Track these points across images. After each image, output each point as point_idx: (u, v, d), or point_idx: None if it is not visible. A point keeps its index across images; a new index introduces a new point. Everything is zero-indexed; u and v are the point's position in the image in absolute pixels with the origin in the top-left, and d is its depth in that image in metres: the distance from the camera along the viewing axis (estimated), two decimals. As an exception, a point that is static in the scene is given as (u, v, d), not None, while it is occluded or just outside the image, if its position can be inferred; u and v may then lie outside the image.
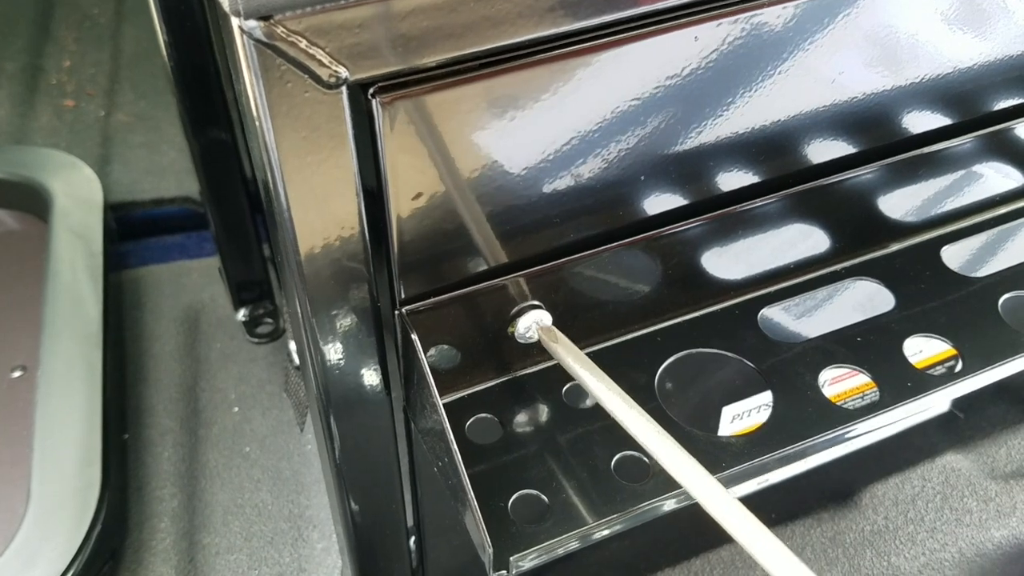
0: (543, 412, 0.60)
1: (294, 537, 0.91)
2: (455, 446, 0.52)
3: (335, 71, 0.41)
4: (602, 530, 0.55)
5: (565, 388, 0.61)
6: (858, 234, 0.70)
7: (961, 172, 0.72)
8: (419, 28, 0.42)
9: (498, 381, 0.62)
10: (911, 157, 0.68)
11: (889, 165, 0.67)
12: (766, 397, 0.62)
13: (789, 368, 0.64)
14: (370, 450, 0.62)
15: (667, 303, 0.65)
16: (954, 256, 0.72)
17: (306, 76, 0.41)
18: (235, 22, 0.38)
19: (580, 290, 0.60)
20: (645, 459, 0.58)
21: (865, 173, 0.67)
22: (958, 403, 0.91)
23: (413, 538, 0.73)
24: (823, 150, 0.63)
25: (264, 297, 1.11)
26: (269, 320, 1.11)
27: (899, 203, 0.70)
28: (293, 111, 0.42)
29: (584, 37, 0.48)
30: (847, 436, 0.60)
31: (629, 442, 0.57)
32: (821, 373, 0.63)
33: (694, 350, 0.65)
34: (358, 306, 0.52)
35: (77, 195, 1.16)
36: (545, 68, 0.48)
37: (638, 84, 0.51)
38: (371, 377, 0.57)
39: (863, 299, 0.69)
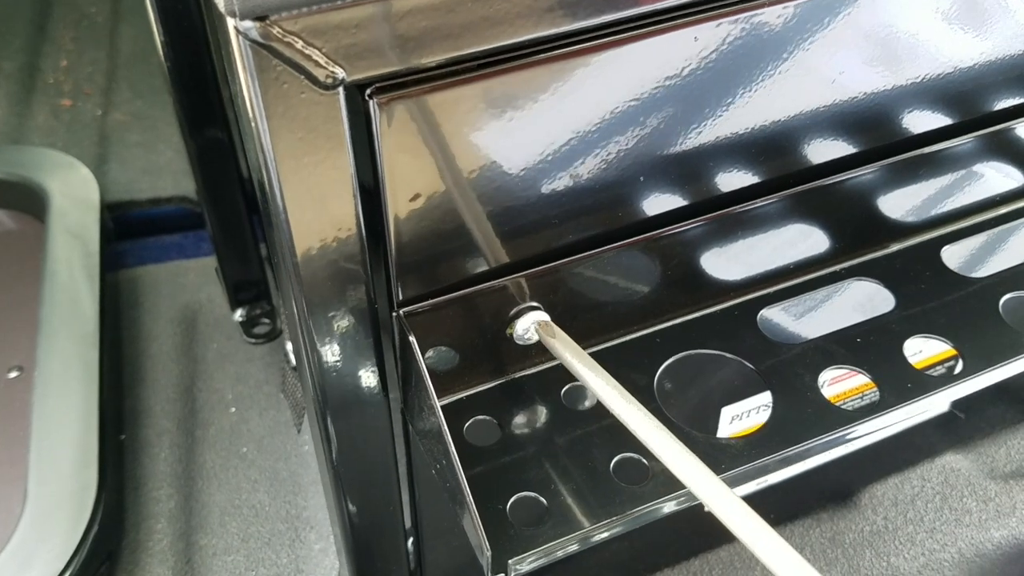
0: (542, 414, 0.60)
1: (291, 538, 0.91)
2: (453, 448, 0.52)
3: (332, 72, 0.41)
4: (601, 533, 0.55)
5: (564, 390, 0.61)
6: (858, 234, 0.70)
7: (961, 172, 0.72)
8: (416, 28, 0.42)
9: (497, 383, 0.62)
10: (911, 157, 0.68)
11: (889, 165, 0.67)
12: (765, 398, 0.62)
13: (788, 369, 0.63)
14: (367, 451, 0.62)
15: (666, 304, 0.65)
16: (954, 256, 0.71)
17: (302, 77, 0.40)
18: (231, 23, 0.38)
19: (579, 291, 0.60)
20: (644, 461, 0.57)
21: (865, 173, 0.66)
22: (958, 403, 0.91)
23: (411, 540, 0.73)
24: (823, 150, 0.63)
25: (261, 297, 1.10)
26: (266, 320, 1.10)
27: (899, 203, 0.70)
28: (289, 112, 0.42)
29: (583, 37, 0.48)
30: (847, 438, 0.60)
31: (628, 444, 0.57)
32: (821, 374, 0.63)
33: (693, 351, 0.64)
34: (355, 307, 0.52)
35: (74, 195, 1.15)
36: (544, 68, 0.47)
37: (637, 85, 0.51)
38: (368, 378, 0.57)
39: (863, 299, 0.69)
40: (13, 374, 1.01)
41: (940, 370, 0.64)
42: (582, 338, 0.63)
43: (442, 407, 0.54)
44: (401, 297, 0.54)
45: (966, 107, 0.68)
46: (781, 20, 0.53)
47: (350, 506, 0.65)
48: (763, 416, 0.61)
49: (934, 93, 0.65)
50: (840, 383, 0.63)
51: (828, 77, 0.58)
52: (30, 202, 1.16)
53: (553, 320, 0.59)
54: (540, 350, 0.59)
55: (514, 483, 0.56)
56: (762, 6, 0.51)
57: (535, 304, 0.58)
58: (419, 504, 0.68)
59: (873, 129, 0.64)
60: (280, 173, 0.44)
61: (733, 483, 0.58)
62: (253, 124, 0.42)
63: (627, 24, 0.48)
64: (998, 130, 0.71)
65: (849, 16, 0.55)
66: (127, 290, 1.16)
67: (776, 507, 0.90)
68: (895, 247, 0.72)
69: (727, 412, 0.61)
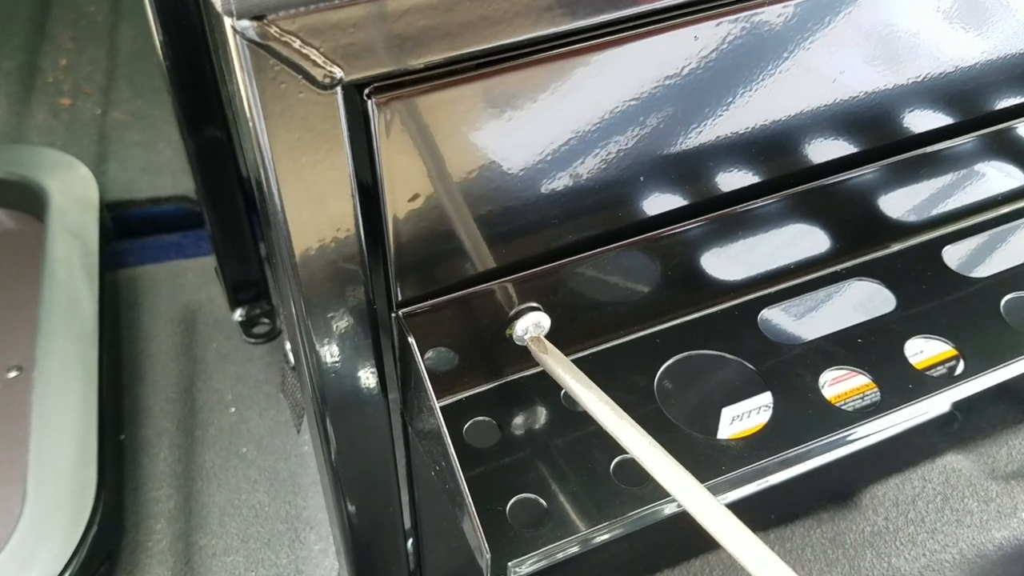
0: (542, 415, 0.60)
1: (291, 538, 0.91)
2: (452, 449, 0.52)
3: (330, 72, 0.40)
4: (601, 535, 0.54)
5: (563, 391, 0.61)
6: (859, 234, 0.70)
7: (962, 172, 0.72)
8: (415, 28, 0.42)
9: (496, 384, 0.61)
10: (912, 157, 0.68)
11: (890, 165, 0.67)
12: (766, 398, 0.62)
13: (789, 370, 0.63)
14: (367, 452, 0.62)
15: (666, 304, 0.65)
16: (955, 256, 0.71)
17: (300, 77, 0.40)
18: (228, 22, 0.38)
19: (579, 291, 0.60)
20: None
21: (866, 173, 0.66)
22: (958, 404, 0.90)
23: (410, 540, 0.73)
24: (824, 150, 0.63)
25: (261, 297, 1.10)
26: (266, 320, 1.10)
27: (900, 203, 0.70)
28: (287, 112, 0.41)
29: (582, 37, 0.47)
30: (848, 439, 0.60)
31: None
32: (821, 375, 0.63)
33: (694, 352, 0.64)
34: (354, 308, 0.52)
35: (73, 194, 1.15)
36: (543, 68, 0.47)
37: (637, 84, 0.51)
38: (367, 379, 0.57)
39: (864, 300, 0.68)
40: (12, 374, 1.00)
41: (941, 371, 0.64)
42: (582, 339, 0.63)
43: (441, 408, 0.54)
44: (400, 298, 0.54)
45: (967, 106, 0.68)
46: (781, 19, 0.52)
47: (349, 507, 0.65)
48: (764, 417, 0.61)
49: (935, 92, 0.64)
50: (841, 383, 0.63)
51: (829, 76, 0.58)
52: (29, 201, 1.16)
53: (553, 321, 0.58)
54: (540, 351, 0.58)
55: (514, 485, 0.56)
56: (762, 5, 0.51)
57: (535, 305, 0.58)
58: (419, 505, 0.68)
59: (874, 129, 0.64)
60: (278, 173, 0.44)
61: (734, 485, 0.58)
62: (251, 124, 0.42)
63: (627, 23, 0.48)
64: (999, 129, 0.71)
65: (849, 15, 0.55)
66: (126, 290, 1.16)
67: (777, 508, 0.89)
68: (896, 247, 0.71)
69: (727, 413, 0.61)
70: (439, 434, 0.53)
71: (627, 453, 0.57)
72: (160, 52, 0.84)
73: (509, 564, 0.52)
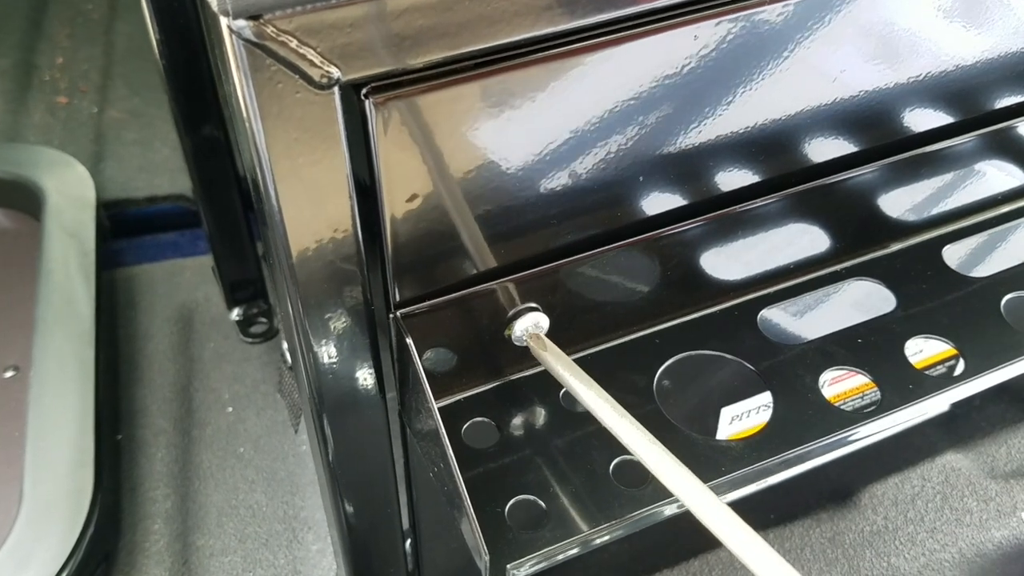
0: (540, 416, 0.60)
1: (289, 539, 0.91)
2: (450, 451, 0.52)
3: (327, 71, 0.40)
4: (601, 536, 0.54)
5: (563, 391, 0.61)
6: (859, 234, 0.69)
7: (962, 171, 0.72)
8: (413, 27, 0.41)
9: (495, 384, 0.61)
10: (912, 156, 0.68)
11: (890, 164, 0.67)
12: (765, 398, 0.62)
13: (789, 370, 0.63)
14: (365, 452, 0.62)
15: (666, 304, 0.64)
16: (955, 256, 0.71)
17: (297, 77, 0.40)
18: (224, 22, 0.38)
19: (578, 292, 0.60)
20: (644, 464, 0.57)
21: (866, 172, 0.66)
22: (958, 403, 0.90)
23: (409, 541, 0.72)
24: (823, 149, 0.63)
25: (258, 296, 1.10)
26: (263, 319, 1.10)
27: (900, 202, 0.70)
28: (284, 112, 0.41)
29: (582, 36, 0.47)
30: (848, 439, 0.59)
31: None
32: (821, 374, 0.63)
33: (693, 352, 0.64)
34: (352, 308, 0.52)
35: (70, 193, 1.15)
36: (542, 68, 0.47)
37: (636, 84, 0.51)
38: (365, 380, 0.56)
39: (863, 299, 0.68)
40: (9, 374, 1.00)
41: (941, 370, 0.64)
42: (581, 340, 0.63)
43: (440, 409, 0.54)
44: (398, 298, 0.54)
45: (967, 106, 0.68)
46: (781, 18, 0.52)
47: (347, 507, 0.65)
48: (763, 416, 0.61)
49: (935, 92, 0.64)
50: (840, 383, 0.63)
51: (828, 75, 0.58)
52: (26, 200, 1.16)
53: (552, 321, 0.58)
54: (538, 351, 0.58)
55: (513, 486, 0.56)
56: (762, 4, 0.51)
57: (533, 305, 0.58)
58: (417, 505, 0.68)
59: (874, 128, 0.64)
60: (275, 173, 0.43)
61: (734, 485, 0.57)
62: (247, 124, 0.42)
63: (626, 23, 0.48)
64: (999, 129, 0.71)
65: (849, 14, 0.55)
66: (123, 289, 1.16)
67: (776, 507, 0.89)
68: (896, 247, 0.71)
69: (727, 412, 0.61)
70: (437, 435, 0.52)
71: (627, 454, 0.57)
72: (157, 50, 0.83)
73: (508, 566, 0.52)
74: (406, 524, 0.70)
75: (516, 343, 0.58)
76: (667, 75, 0.51)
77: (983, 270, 0.70)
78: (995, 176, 0.73)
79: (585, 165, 0.53)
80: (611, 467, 0.57)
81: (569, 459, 0.57)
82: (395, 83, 0.44)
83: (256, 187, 0.46)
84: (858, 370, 0.63)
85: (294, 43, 0.39)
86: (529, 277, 0.57)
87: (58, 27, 1.57)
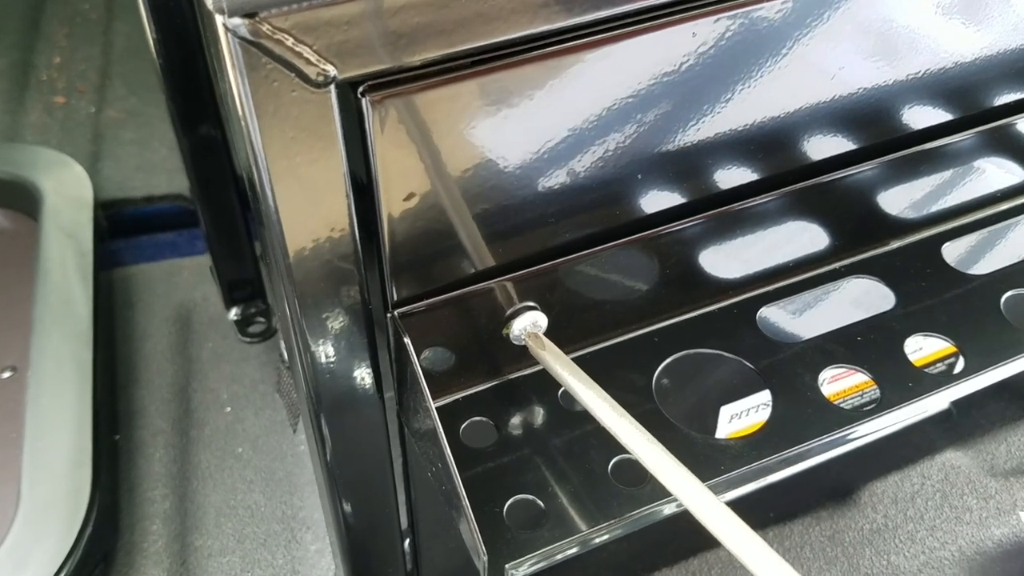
0: (539, 415, 0.60)
1: (287, 539, 0.90)
2: (448, 451, 0.51)
3: (323, 69, 0.40)
4: (600, 536, 0.54)
5: (561, 391, 0.61)
6: (858, 231, 0.69)
7: (961, 168, 0.71)
8: (410, 24, 0.41)
9: (493, 383, 0.61)
10: (911, 153, 0.68)
11: (889, 161, 0.67)
12: (765, 396, 0.61)
13: (788, 368, 0.63)
14: (363, 452, 0.62)
15: (665, 303, 0.64)
16: (955, 253, 0.71)
17: (293, 75, 0.40)
18: (219, 20, 0.37)
19: (576, 291, 0.59)
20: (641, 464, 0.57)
21: (865, 170, 0.66)
22: (957, 401, 0.90)
23: (407, 541, 0.72)
24: (823, 147, 0.62)
25: (256, 296, 1.10)
26: (261, 319, 1.10)
27: (899, 200, 0.70)
28: (280, 111, 0.41)
29: (579, 33, 0.47)
30: (847, 438, 0.59)
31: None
32: (820, 372, 0.63)
33: (692, 350, 0.64)
34: (349, 307, 0.52)
35: (67, 193, 1.15)
36: (539, 65, 0.47)
37: (634, 81, 0.50)
38: (363, 379, 0.56)
39: (863, 297, 0.68)
40: (6, 374, 1.00)
41: (940, 368, 0.64)
42: (580, 338, 0.62)
43: (438, 408, 0.54)
44: (396, 298, 0.54)
45: (966, 103, 0.68)
46: (780, 15, 0.52)
47: (345, 507, 0.65)
48: (763, 415, 0.60)
49: (934, 89, 0.64)
50: (840, 381, 0.63)
51: (827, 73, 0.58)
52: (23, 200, 1.15)
53: (550, 320, 0.58)
54: (537, 350, 0.58)
55: (511, 485, 0.56)
56: (760, 1, 0.51)
57: (532, 304, 0.58)
58: (416, 505, 0.68)
59: (873, 125, 0.64)
60: (271, 172, 0.43)
61: (733, 484, 0.57)
62: (243, 123, 0.41)
63: (624, 20, 0.48)
64: (998, 126, 0.71)
65: (847, 11, 0.55)
66: (121, 289, 1.15)
67: (775, 505, 0.89)
68: (895, 244, 0.71)
69: (726, 411, 0.61)
70: (435, 435, 0.52)
71: (625, 453, 0.57)
72: (154, 49, 0.83)
73: (506, 566, 0.52)
74: (404, 524, 0.70)
75: (514, 342, 0.58)
76: (665, 72, 0.51)
77: (983, 267, 0.70)
78: (994, 173, 0.73)
79: (583, 163, 0.53)
80: (610, 466, 0.57)
81: (567, 458, 0.57)
82: (392, 81, 0.44)
83: (252, 186, 0.46)
84: (857, 368, 0.63)
85: (290, 41, 0.39)
86: (527, 276, 0.57)
87: (56, 27, 1.56)
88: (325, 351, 0.53)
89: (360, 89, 0.43)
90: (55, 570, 0.80)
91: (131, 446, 0.98)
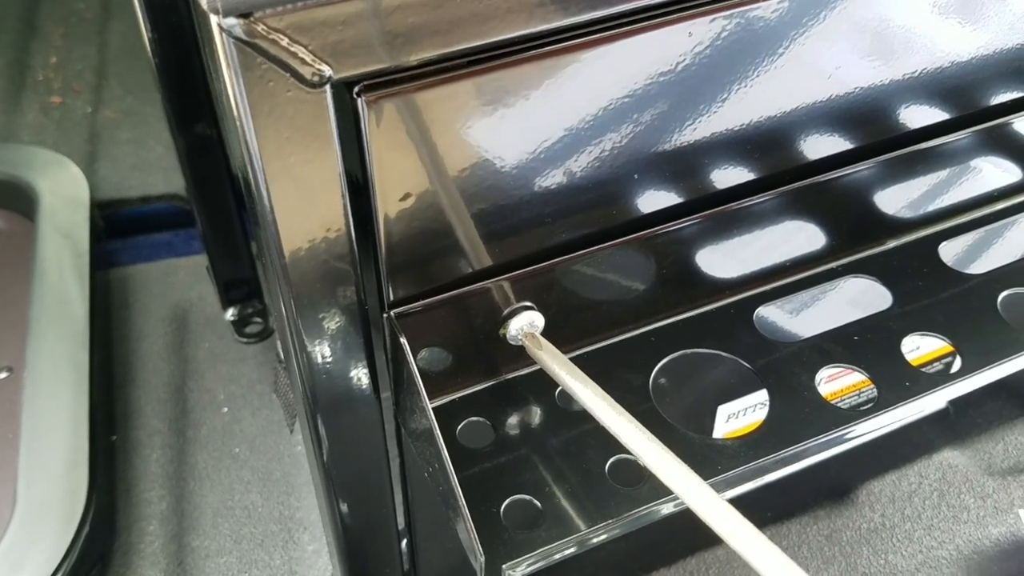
0: (536, 415, 0.60)
1: (284, 539, 0.90)
2: (445, 451, 0.51)
3: (318, 69, 0.40)
4: (597, 536, 0.54)
5: (558, 391, 0.61)
6: (855, 231, 0.69)
7: (959, 168, 0.71)
8: (405, 24, 0.41)
9: (490, 384, 0.61)
10: (908, 153, 0.68)
11: (886, 161, 0.67)
12: (762, 396, 0.61)
13: (785, 367, 0.63)
14: (359, 452, 0.62)
15: (662, 303, 0.64)
16: (952, 252, 0.71)
17: (288, 75, 0.40)
18: (214, 20, 0.37)
19: (573, 290, 0.59)
20: (640, 462, 0.57)
21: (862, 169, 0.66)
22: (954, 400, 0.90)
23: (404, 541, 0.72)
24: (819, 146, 0.62)
25: (253, 296, 1.09)
26: (258, 319, 1.09)
27: (896, 199, 0.70)
28: (275, 111, 0.41)
29: (575, 33, 0.47)
30: (844, 437, 0.59)
31: (623, 446, 0.56)
32: (818, 372, 0.62)
33: (689, 350, 0.64)
34: (345, 308, 0.51)
35: (63, 193, 1.14)
36: (535, 65, 0.47)
37: (631, 81, 0.50)
38: (359, 379, 0.56)
39: (860, 297, 0.68)
40: (2, 375, 1.00)
41: (937, 367, 0.64)
42: (576, 338, 0.62)
43: (434, 409, 0.54)
44: (392, 298, 0.54)
45: (963, 102, 0.68)
46: (776, 15, 0.52)
47: (342, 507, 0.64)
48: (760, 414, 0.60)
49: (931, 88, 0.64)
50: (837, 381, 0.63)
51: (824, 72, 0.58)
52: (20, 201, 1.15)
53: (547, 320, 0.58)
54: (534, 350, 0.58)
55: (508, 486, 0.56)
56: (756, 0, 0.51)
57: (528, 304, 0.58)
58: (413, 505, 0.68)
59: (869, 124, 0.64)
60: (266, 173, 0.43)
61: (731, 484, 0.57)
62: (238, 123, 0.41)
63: (620, 20, 0.48)
64: (995, 125, 0.71)
65: (844, 11, 0.55)
66: (117, 289, 1.15)
67: (773, 505, 0.89)
68: (892, 244, 0.71)
69: (723, 411, 0.61)
70: (432, 435, 0.52)
71: (622, 453, 0.57)
72: (149, 49, 0.83)
73: (503, 566, 0.52)
74: (402, 524, 0.70)
75: (511, 342, 0.58)
76: (661, 72, 0.51)
77: (979, 267, 0.70)
78: (991, 173, 0.73)
79: (579, 163, 0.53)
80: (607, 466, 0.57)
81: (564, 458, 0.57)
82: (387, 81, 0.44)
83: (248, 187, 0.46)
84: (854, 367, 0.63)
85: (285, 41, 0.39)
86: (524, 276, 0.57)
87: (52, 27, 1.56)
88: (321, 351, 0.53)
89: (355, 89, 0.43)
90: (51, 571, 0.80)
91: (128, 446, 0.98)
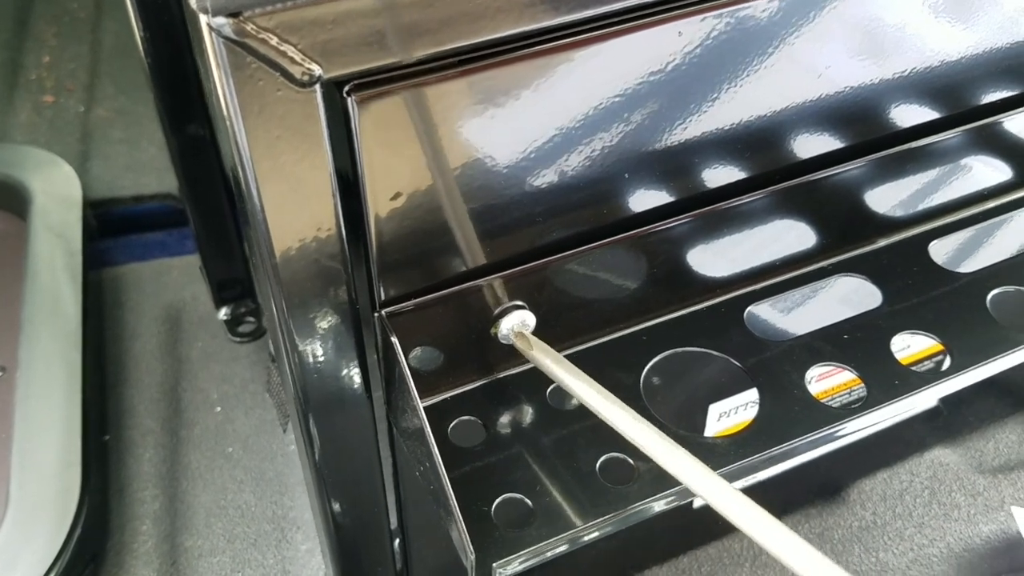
0: (527, 414, 0.60)
1: (278, 539, 0.90)
2: (436, 450, 0.51)
3: (308, 69, 0.40)
4: (588, 533, 0.54)
5: (549, 390, 0.61)
6: (845, 230, 0.70)
7: (948, 167, 0.72)
8: (395, 24, 0.41)
9: (481, 382, 0.61)
10: (898, 152, 0.68)
11: (876, 160, 0.67)
12: (752, 395, 0.62)
13: (775, 366, 0.63)
14: (351, 452, 0.62)
15: (653, 302, 0.64)
16: (942, 251, 0.71)
17: (278, 74, 0.40)
18: (203, 19, 0.37)
19: (564, 289, 0.60)
20: (631, 461, 0.57)
21: (852, 168, 0.66)
22: (945, 398, 0.91)
23: (397, 540, 0.72)
24: (810, 145, 0.63)
25: (246, 295, 1.09)
26: (251, 319, 1.09)
27: (886, 198, 0.70)
28: (265, 110, 0.41)
29: (565, 32, 0.47)
30: (834, 436, 0.59)
31: (614, 444, 0.56)
32: (808, 371, 0.63)
33: (680, 349, 0.64)
34: (337, 307, 0.51)
35: (56, 192, 1.14)
36: (526, 64, 0.47)
37: (621, 81, 0.50)
38: (351, 378, 0.56)
39: (850, 295, 0.68)
40: (-5, 375, 1.00)
41: (927, 366, 0.64)
42: (567, 337, 0.62)
43: (426, 408, 0.54)
44: (383, 297, 0.54)
45: (953, 101, 0.68)
46: (766, 14, 0.52)
47: (334, 507, 0.65)
48: (750, 413, 0.61)
49: (921, 87, 0.64)
50: (827, 379, 0.63)
51: (814, 72, 0.58)
52: (12, 200, 1.15)
53: (538, 319, 0.58)
54: (525, 349, 0.58)
55: (499, 484, 0.56)
56: (746, 0, 0.51)
57: (520, 303, 0.58)
58: (405, 504, 0.68)
59: (860, 124, 0.64)
60: (257, 172, 0.43)
61: (721, 482, 0.57)
62: (228, 123, 0.41)
63: (610, 19, 0.48)
64: (985, 124, 0.71)
65: (834, 10, 0.55)
66: (110, 289, 1.15)
67: (764, 503, 0.89)
68: (882, 242, 0.71)
69: (714, 409, 0.61)
70: (423, 434, 0.52)
71: (613, 451, 0.57)
72: (141, 49, 0.83)
73: (494, 565, 0.52)
74: (394, 523, 0.70)
75: (503, 341, 0.58)
76: (652, 72, 0.51)
77: (969, 265, 0.70)
78: (981, 172, 0.73)
79: (570, 162, 0.53)
80: (598, 464, 0.57)
81: (555, 457, 0.57)
82: (377, 80, 0.44)
83: (238, 186, 0.46)
84: (844, 366, 0.63)
85: (274, 40, 0.39)
86: (515, 275, 0.57)
87: (44, 26, 1.56)
88: (313, 351, 0.53)
89: (346, 88, 0.43)
90: (44, 571, 0.80)
91: (121, 446, 0.98)
